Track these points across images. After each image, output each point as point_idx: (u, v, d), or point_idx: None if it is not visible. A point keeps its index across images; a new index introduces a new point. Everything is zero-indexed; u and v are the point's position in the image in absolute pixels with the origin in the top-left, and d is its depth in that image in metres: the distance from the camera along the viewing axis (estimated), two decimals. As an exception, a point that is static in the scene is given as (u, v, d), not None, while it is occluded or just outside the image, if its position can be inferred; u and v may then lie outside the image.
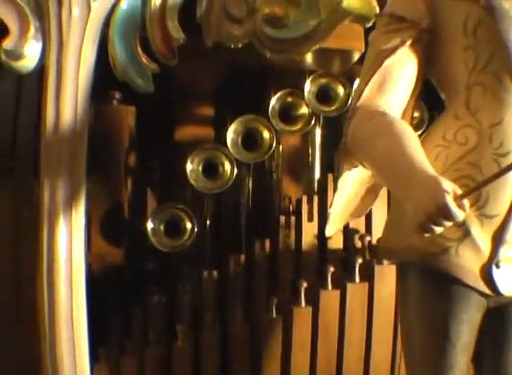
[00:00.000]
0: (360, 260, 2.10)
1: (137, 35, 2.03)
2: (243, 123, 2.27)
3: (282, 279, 2.19)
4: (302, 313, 2.07)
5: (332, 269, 2.08)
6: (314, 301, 2.08)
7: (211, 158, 2.27)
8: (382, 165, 1.45)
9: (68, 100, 2.00)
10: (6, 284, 2.12)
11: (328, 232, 1.65)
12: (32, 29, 2.03)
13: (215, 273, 2.20)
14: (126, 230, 2.32)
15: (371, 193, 1.65)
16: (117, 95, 2.31)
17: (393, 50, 1.49)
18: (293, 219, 2.23)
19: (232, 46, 2.04)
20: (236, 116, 2.28)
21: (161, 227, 2.25)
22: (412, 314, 1.51)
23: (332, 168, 2.35)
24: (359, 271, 2.09)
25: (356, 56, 2.25)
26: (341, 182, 1.58)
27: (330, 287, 2.09)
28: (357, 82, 2.19)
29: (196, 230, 2.23)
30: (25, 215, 2.14)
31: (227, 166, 2.27)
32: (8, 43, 2.02)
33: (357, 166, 1.56)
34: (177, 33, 2.01)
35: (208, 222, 2.31)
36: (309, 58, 2.22)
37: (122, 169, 2.31)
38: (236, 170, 2.25)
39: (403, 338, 1.57)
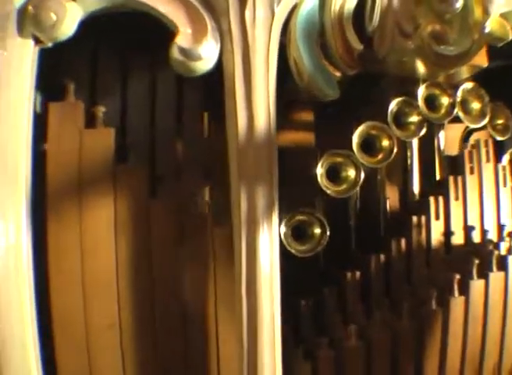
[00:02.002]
0: (496, 252, 2.32)
1: (319, 42, 2.06)
2: (367, 129, 2.37)
3: (417, 274, 2.35)
4: (457, 303, 2.23)
5: (476, 261, 2.28)
6: (464, 291, 2.26)
7: (338, 164, 2.34)
8: None
9: (260, 104, 1.96)
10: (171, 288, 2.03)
11: None
12: (209, 29, 1.96)
13: (357, 273, 2.30)
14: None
15: None
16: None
17: None
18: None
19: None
20: (357, 121, 2.37)
21: (290, 232, 2.28)
22: None
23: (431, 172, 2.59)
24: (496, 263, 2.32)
25: (464, 72, 2.48)
26: None
27: (475, 277, 2.29)
28: (460, 91, 2.48)
29: (328, 233, 2.29)
30: (186, 221, 2.05)
31: (351, 170, 2.35)
32: (181, 41, 1.93)
33: None
34: (355, 42, 2.07)
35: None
36: (422, 67, 2.39)
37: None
38: (363, 175, 2.34)
39: None
